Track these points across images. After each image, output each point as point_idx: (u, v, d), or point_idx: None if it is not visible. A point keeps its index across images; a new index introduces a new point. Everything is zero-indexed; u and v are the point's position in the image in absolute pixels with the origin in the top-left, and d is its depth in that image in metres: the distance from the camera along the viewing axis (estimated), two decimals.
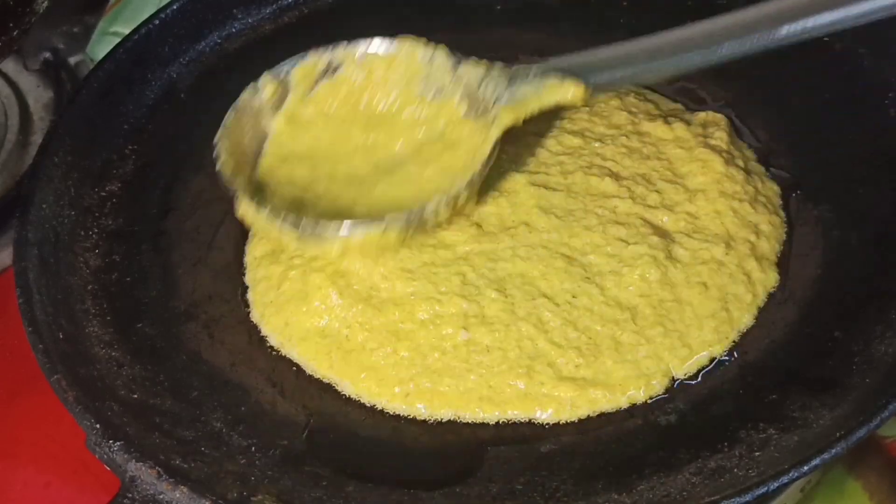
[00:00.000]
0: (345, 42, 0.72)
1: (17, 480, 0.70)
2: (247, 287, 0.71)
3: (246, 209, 0.66)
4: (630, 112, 0.76)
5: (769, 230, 0.69)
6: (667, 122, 0.74)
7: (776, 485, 0.54)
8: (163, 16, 0.83)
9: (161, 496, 0.56)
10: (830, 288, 0.66)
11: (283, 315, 0.68)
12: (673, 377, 0.64)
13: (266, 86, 0.71)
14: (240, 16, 0.87)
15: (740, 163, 0.73)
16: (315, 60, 0.72)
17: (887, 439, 0.67)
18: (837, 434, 0.55)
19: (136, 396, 0.64)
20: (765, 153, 0.75)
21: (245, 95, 0.71)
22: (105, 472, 0.58)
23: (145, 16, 0.84)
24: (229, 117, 0.69)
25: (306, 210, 0.67)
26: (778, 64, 0.79)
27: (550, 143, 0.74)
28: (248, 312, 0.70)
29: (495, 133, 0.67)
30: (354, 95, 0.72)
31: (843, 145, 0.73)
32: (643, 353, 0.64)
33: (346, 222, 0.64)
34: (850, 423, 0.56)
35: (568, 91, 0.66)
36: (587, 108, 0.75)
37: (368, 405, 0.64)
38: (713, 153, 0.72)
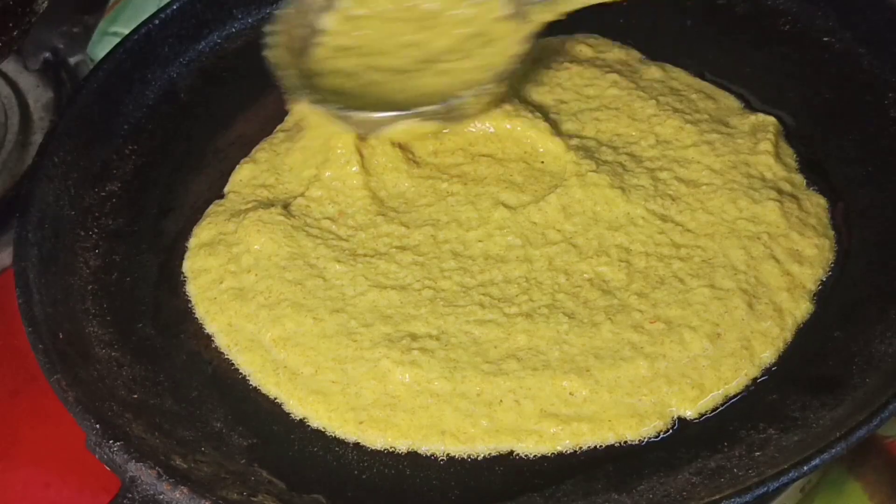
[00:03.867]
0: None
1: (17, 480, 0.70)
2: (184, 278, 0.70)
3: (295, 97, 0.70)
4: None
5: (814, 255, 0.67)
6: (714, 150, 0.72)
7: (776, 485, 0.54)
8: (163, 16, 0.82)
9: (161, 496, 0.56)
10: (831, 288, 0.66)
11: (226, 315, 0.67)
12: (676, 417, 0.61)
13: None
14: (240, 16, 0.86)
15: (787, 186, 0.70)
16: None
17: (887, 439, 0.66)
18: (837, 434, 0.55)
19: (136, 396, 0.64)
20: None
21: None
22: (105, 472, 0.58)
23: (145, 16, 0.84)
24: (285, 8, 0.74)
25: (353, 97, 0.70)
26: (777, 64, 0.79)
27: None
28: (190, 307, 0.69)
29: (527, 28, 0.71)
30: None
31: (842, 145, 0.73)
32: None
33: (386, 113, 0.68)
34: (850, 423, 0.56)
35: None
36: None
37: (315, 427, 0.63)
38: (772, 202, 0.69)
